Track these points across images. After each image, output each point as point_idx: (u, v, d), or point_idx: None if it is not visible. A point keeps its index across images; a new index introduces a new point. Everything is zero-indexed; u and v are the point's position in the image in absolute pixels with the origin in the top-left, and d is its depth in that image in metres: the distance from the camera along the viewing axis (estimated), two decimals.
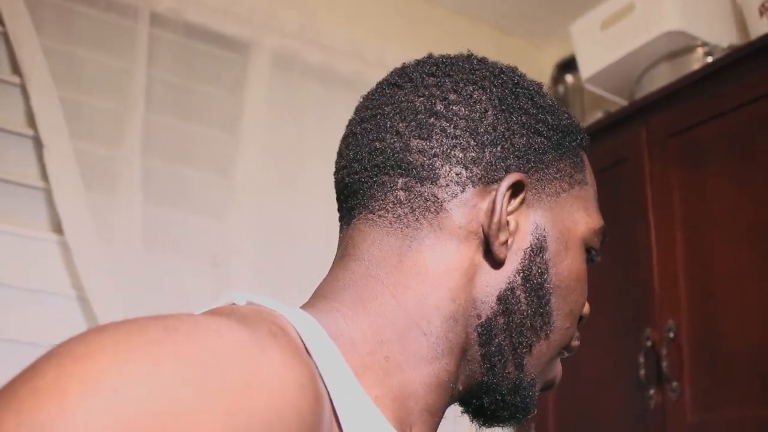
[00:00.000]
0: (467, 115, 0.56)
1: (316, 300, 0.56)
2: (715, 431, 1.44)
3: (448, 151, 0.55)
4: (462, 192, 0.55)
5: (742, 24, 1.76)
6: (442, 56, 0.61)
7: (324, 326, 0.51)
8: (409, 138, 0.56)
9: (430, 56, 0.62)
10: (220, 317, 0.42)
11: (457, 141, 0.56)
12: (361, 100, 0.62)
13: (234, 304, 0.50)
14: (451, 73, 0.58)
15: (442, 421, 0.57)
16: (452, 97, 0.57)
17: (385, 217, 0.56)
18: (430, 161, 0.55)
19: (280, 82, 1.88)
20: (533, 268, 0.56)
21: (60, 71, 1.62)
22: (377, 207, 0.57)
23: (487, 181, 0.55)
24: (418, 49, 0.72)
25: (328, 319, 0.52)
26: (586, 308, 0.62)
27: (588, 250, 0.61)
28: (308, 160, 1.85)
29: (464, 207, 0.55)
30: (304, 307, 0.55)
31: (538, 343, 0.57)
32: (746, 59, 1.49)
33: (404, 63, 0.62)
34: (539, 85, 0.61)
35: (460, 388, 0.57)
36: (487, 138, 0.56)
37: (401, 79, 0.60)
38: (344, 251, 0.58)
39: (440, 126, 0.56)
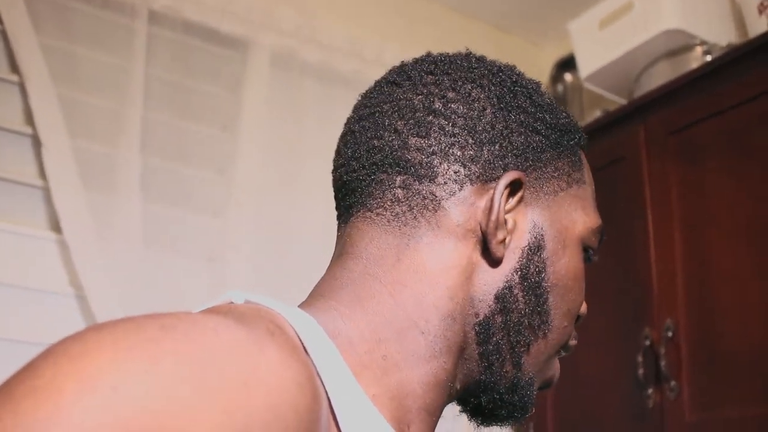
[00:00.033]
0: (465, 113, 0.56)
1: (314, 299, 0.56)
2: (713, 430, 1.44)
3: (447, 149, 0.55)
4: (460, 190, 0.55)
5: (741, 22, 1.76)
6: (441, 54, 0.61)
7: (322, 325, 0.51)
8: (408, 136, 0.56)
9: (428, 54, 0.62)
10: (218, 316, 0.42)
11: (456, 139, 0.56)
12: (360, 98, 0.62)
13: (232, 302, 0.50)
14: (450, 71, 0.58)
15: (440, 420, 0.57)
16: (451, 95, 0.57)
17: (383, 215, 0.56)
18: (429, 159, 0.55)
19: (278, 80, 1.88)
20: (531, 266, 0.56)
21: (58, 69, 1.62)
22: (375, 205, 0.57)
23: (485, 179, 0.55)
24: (417, 47, 0.72)
25: (326, 318, 0.52)
26: (584, 307, 0.62)
27: (586, 249, 0.61)
28: (307, 158, 1.85)
29: (462, 205, 0.55)
30: (302, 305, 0.55)
31: (536, 341, 0.57)
32: (745, 58, 1.49)
33: (403, 61, 0.62)
34: (537, 84, 0.61)
35: (458, 386, 0.57)
36: (486, 136, 0.56)
37: (400, 77, 0.60)
38: (342, 249, 0.58)
39: (438, 124, 0.56)
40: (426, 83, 0.58)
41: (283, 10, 1.90)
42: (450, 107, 0.56)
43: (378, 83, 0.61)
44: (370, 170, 0.57)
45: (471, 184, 0.55)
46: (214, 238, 1.75)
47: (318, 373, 0.45)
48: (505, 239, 0.55)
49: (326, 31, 1.95)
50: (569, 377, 1.50)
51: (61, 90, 1.60)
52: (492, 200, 0.55)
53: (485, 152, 0.56)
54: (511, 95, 0.58)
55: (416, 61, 0.61)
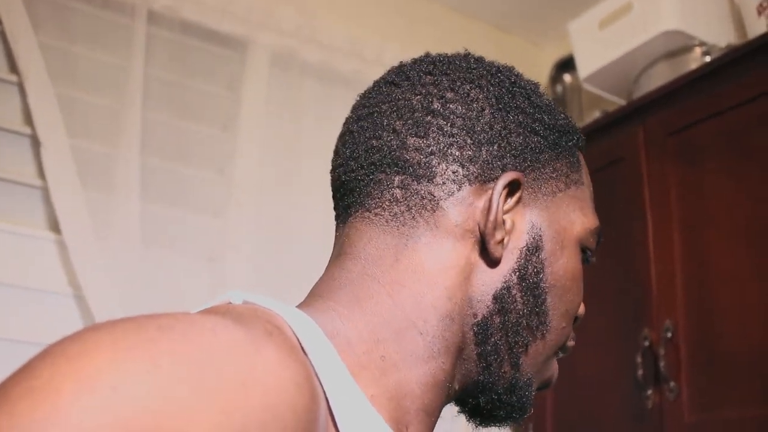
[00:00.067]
0: (464, 114, 0.56)
1: (312, 299, 0.56)
2: (712, 431, 1.44)
3: (445, 149, 0.55)
4: (458, 190, 0.55)
5: (740, 23, 1.76)
6: (440, 55, 0.61)
7: (320, 325, 0.51)
8: (406, 136, 0.56)
9: (427, 55, 0.62)
10: (216, 316, 0.42)
11: (454, 139, 0.56)
12: (358, 98, 0.62)
13: (230, 302, 0.50)
14: (449, 71, 0.58)
15: (439, 420, 0.57)
16: (449, 95, 0.57)
17: (381, 215, 0.56)
18: (427, 159, 0.55)
19: (278, 80, 1.88)
20: (529, 267, 0.56)
21: (57, 69, 1.62)
22: (374, 205, 0.57)
23: (484, 179, 0.55)
24: (417, 47, 0.72)
25: (324, 318, 0.52)
26: (582, 308, 0.62)
27: (584, 250, 0.61)
28: (306, 158, 1.85)
29: (460, 205, 0.55)
30: (300, 306, 0.55)
31: (534, 342, 0.57)
32: (744, 59, 1.49)
33: (401, 62, 0.62)
34: (536, 85, 0.61)
35: (457, 387, 0.57)
36: (484, 136, 0.56)
37: (398, 77, 0.60)
38: (340, 250, 0.58)
39: (437, 124, 0.56)
40: (425, 83, 0.58)
41: (283, 10, 1.90)
42: (448, 107, 0.56)
43: (377, 83, 0.61)
44: (368, 170, 0.57)
45: (469, 184, 0.55)
46: (213, 238, 1.75)
47: (316, 374, 0.45)
48: (503, 240, 0.55)
49: (326, 31, 1.95)
50: (568, 378, 1.50)
51: (60, 90, 1.60)
52: (490, 200, 0.55)
53: (484, 152, 0.56)
54: (510, 96, 0.58)
55: (415, 61, 0.61)
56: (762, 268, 1.40)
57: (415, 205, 0.55)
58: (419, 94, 0.57)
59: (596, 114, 1.95)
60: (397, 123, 0.57)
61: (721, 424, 1.42)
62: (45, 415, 0.33)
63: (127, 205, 1.61)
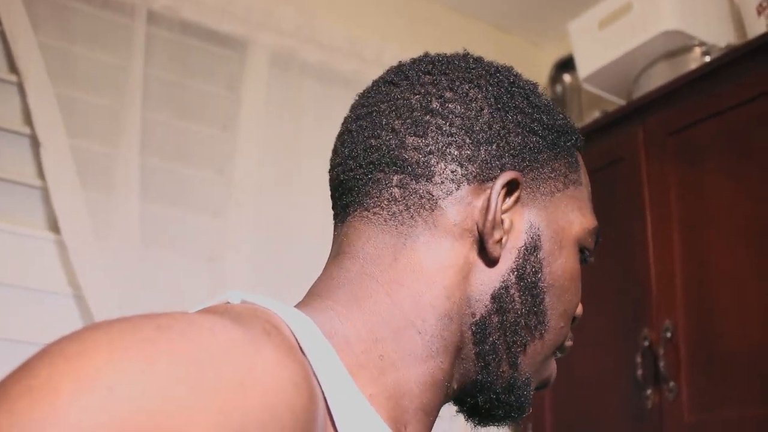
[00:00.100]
0: (463, 113, 0.56)
1: (311, 298, 0.56)
2: (712, 431, 1.44)
3: (444, 148, 0.55)
4: (457, 189, 0.55)
5: (740, 23, 1.76)
6: (439, 55, 0.61)
7: (318, 325, 0.51)
8: (405, 135, 0.56)
9: (426, 54, 0.62)
10: (214, 316, 0.42)
11: (453, 138, 0.56)
12: (357, 97, 0.62)
13: (228, 302, 0.50)
14: (447, 71, 0.58)
15: (437, 420, 0.57)
16: (448, 95, 0.57)
17: (379, 214, 0.56)
18: (426, 158, 0.55)
19: (278, 80, 1.88)
20: (527, 266, 0.56)
21: (57, 69, 1.62)
22: (372, 204, 0.57)
23: (482, 179, 0.55)
24: (417, 47, 0.72)
25: (323, 318, 0.52)
26: (579, 309, 0.62)
27: (582, 250, 0.61)
28: (306, 158, 1.85)
29: (459, 204, 0.55)
30: (298, 305, 0.55)
31: (533, 342, 0.57)
32: (743, 59, 1.49)
33: (400, 61, 0.62)
34: (535, 85, 0.61)
35: (455, 386, 0.57)
36: (483, 136, 0.56)
37: (397, 76, 0.60)
38: (339, 249, 0.58)
39: (436, 123, 0.56)
40: (423, 83, 0.58)
41: (283, 9, 1.90)
42: (447, 107, 0.56)
43: (375, 83, 0.61)
44: (367, 169, 0.57)
45: (468, 183, 0.55)
46: (213, 238, 1.75)
47: (314, 373, 0.45)
48: (501, 239, 0.55)
49: (326, 31, 1.95)
50: (568, 378, 1.50)
51: (59, 90, 1.60)
52: (489, 200, 0.55)
53: (482, 152, 0.56)
54: (509, 96, 0.58)
55: (414, 61, 0.61)
56: (762, 268, 1.40)
57: (413, 205, 0.55)
58: (418, 94, 0.57)
59: (596, 114, 1.95)
60: (396, 122, 0.57)
61: (720, 424, 1.42)
62: (43, 414, 0.33)
63: (127, 205, 1.61)
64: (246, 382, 0.38)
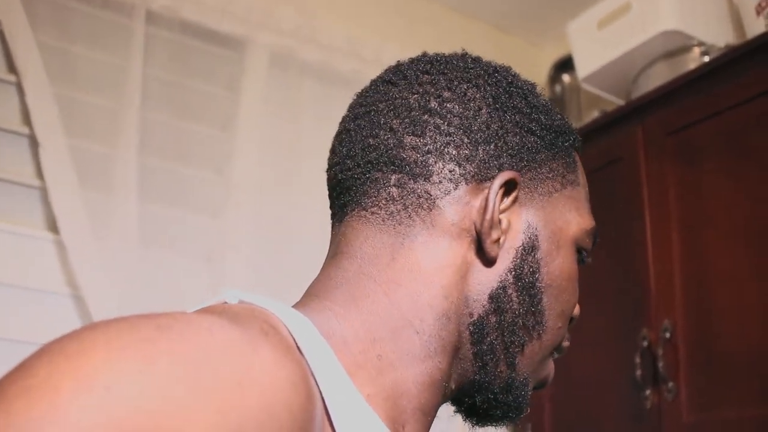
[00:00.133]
0: (461, 113, 0.56)
1: (309, 299, 0.56)
2: (711, 431, 1.44)
3: (442, 148, 0.55)
4: (455, 189, 0.55)
5: (739, 23, 1.76)
6: (437, 54, 0.61)
7: (316, 325, 0.50)
8: (403, 135, 0.56)
9: (424, 54, 0.62)
10: (212, 316, 0.42)
11: (451, 138, 0.56)
12: (355, 97, 0.62)
13: (226, 302, 0.50)
14: (446, 71, 0.58)
15: (435, 420, 0.57)
16: (446, 94, 0.57)
17: (377, 214, 0.56)
18: (424, 158, 0.55)
19: (277, 80, 1.88)
20: (525, 266, 0.56)
21: (55, 68, 1.62)
22: (370, 204, 0.57)
23: (480, 178, 0.55)
24: (417, 47, 0.72)
25: (321, 318, 0.52)
26: (577, 309, 0.62)
27: (579, 250, 0.61)
28: (305, 158, 1.85)
29: (457, 204, 0.55)
30: (296, 305, 0.55)
31: (530, 342, 0.57)
32: (742, 59, 1.49)
33: (399, 61, 0.62)
34: (533, 85, 0.61)
35: (453, 386, 0.57)
36: (481, 136, 0.56)
37: (395, 76, 0.60)
38: (336, 249, 0.58)
39: (434, 123, 0.56)
40: (422, 82, 0.58)
41: (283, 9, 1.90)
42: (446, 106, 0.56)
43: (374, 82, 0.61)
44: (365, 169, 0.57)
45: (466, 183, 0.55)
46: (212, 238, 1.74)
47: (312, 373, 0.45)
48: (499, 239, 0.55)
49: (325, 31, 1.95)
50: (567, 378, 1.50)
51: (58, 89, 1.60)
52: (487, 200, 0.55)
53: (480, 152, 0.56)
54: (507, 96, 0.58)
55: (412, 60, 0.61)
56: (761, 268, 1.40)
57: (411, 204, 0.55)
58: (416, 93, 0.57)
59: (595, 114, 1.95)
60: (394, 122, 0.57)
61: (719, 425, 1.42)
62: (42, 413, 0.33)
63: (126, 206, 1.61)
64: (244, 382, 0.38)
